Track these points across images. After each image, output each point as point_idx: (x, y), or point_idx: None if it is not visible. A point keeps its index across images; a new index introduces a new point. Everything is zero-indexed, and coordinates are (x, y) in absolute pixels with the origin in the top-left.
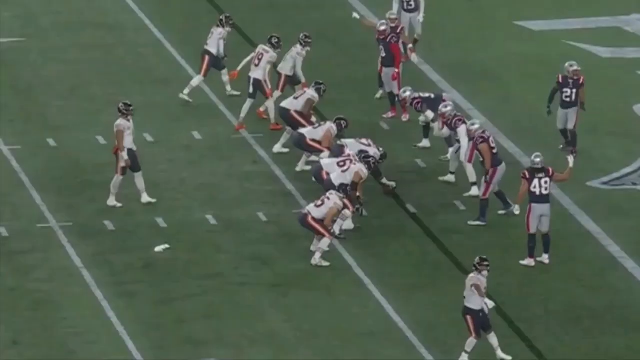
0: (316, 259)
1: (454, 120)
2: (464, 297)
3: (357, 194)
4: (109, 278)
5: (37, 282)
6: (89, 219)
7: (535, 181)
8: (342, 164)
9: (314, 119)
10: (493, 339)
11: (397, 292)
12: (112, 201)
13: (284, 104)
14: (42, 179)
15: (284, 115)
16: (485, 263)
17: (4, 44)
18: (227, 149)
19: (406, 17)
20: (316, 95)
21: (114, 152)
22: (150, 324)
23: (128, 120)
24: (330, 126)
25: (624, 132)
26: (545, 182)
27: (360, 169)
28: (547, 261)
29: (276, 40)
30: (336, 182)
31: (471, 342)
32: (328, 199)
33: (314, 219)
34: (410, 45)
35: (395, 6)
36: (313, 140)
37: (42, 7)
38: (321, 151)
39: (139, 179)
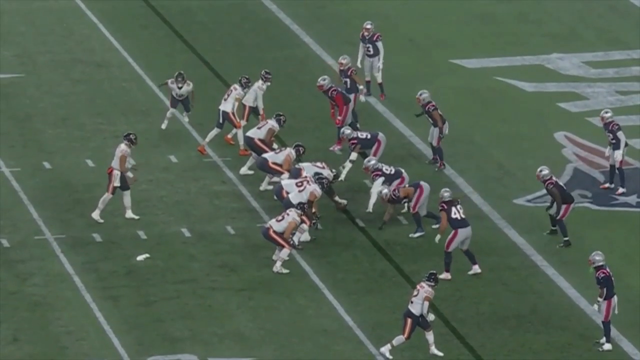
0: (277, 267)
1: (373, 174)
2: (411, 302)
3: (313, 210)
4: (96, 283)
5: (34, 287)
6: (80, 231)
7: (453, 209)
8: (299, 184)
9: (275, 145)
10: (430, 336)
11: (347, 296)
12: (96, 215)
13: (248, 133)
14: (39, 196)
15: (249, 142)
16: (437, 278)
17: (5, 79)
18: (200, 170)
19: (369, 61)
20: (277, 125)
21: (108, 172)
22: (132, 323)
23: (130, 148)
24: (289, 151)
25: (546, 156)
26: (460, 208)
27: (315, 189)
28: (479, 270)
29: (245, 80)
30: (294, 201)
31: (400, 339)
32: (287, 214)
33: (275, 232)
34: (361, 87)
35: (360, 52)
36: (275, 163)
37: (38, 47)
38: (282, 173)
39: (127, 197)
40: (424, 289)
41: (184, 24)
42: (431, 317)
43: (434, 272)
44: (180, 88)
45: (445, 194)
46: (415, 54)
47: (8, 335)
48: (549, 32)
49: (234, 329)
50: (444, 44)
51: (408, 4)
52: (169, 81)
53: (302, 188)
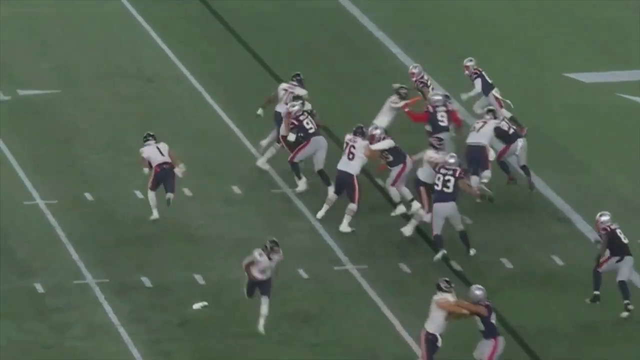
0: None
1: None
2: None
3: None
4: (145, 336)
5: (73, 340)
6: (126, 275)
7: (439, 175)
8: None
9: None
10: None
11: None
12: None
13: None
14: (79, 234)
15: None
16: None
17: (41, 96)
18: (267, 203)
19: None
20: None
21: None
22: None
23: None
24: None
25: None
26: (448, 180)
27: (361, 143)
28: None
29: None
30: (349, 170)
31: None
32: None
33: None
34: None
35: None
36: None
37: (79, 58)
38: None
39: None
40: None
41: (250, 31)
42: None
43: None
44: (270, 259)
45: (452, 160)
46: (524, 66)
47: None
48: None
49: None
50: (558, 54)
51: (513, 4)
52: (256, 253)
53: (351, 156)
